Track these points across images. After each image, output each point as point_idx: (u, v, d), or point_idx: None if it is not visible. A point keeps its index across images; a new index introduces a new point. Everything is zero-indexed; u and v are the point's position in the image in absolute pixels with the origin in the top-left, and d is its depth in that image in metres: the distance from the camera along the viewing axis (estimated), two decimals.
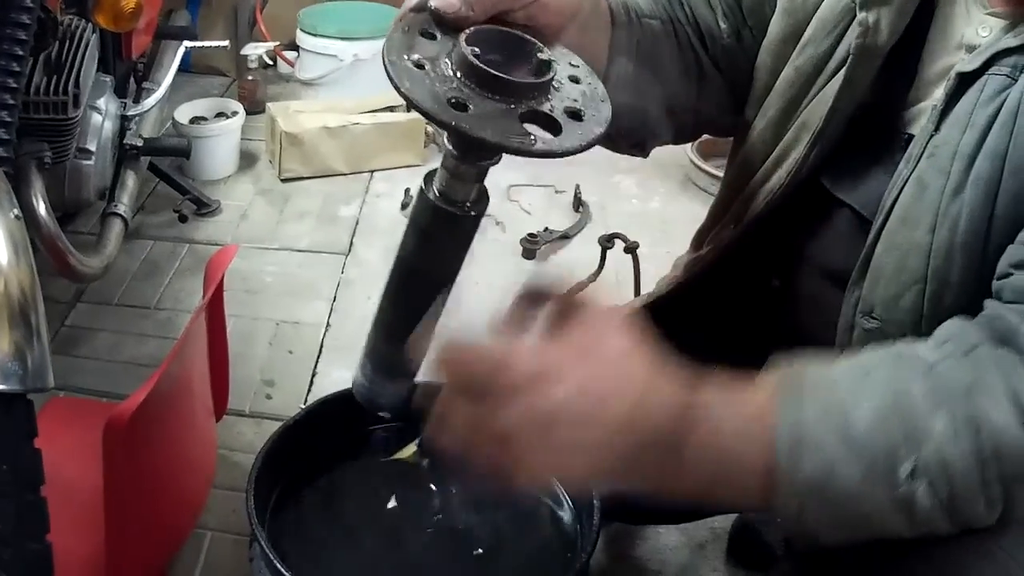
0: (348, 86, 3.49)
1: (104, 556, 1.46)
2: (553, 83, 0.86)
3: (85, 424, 1.46)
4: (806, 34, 1.13)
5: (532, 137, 0.79)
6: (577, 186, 3.05)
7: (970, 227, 0.96)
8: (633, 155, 1.25)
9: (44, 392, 1.29)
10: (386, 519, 1.23)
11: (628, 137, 1.19)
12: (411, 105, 0.78)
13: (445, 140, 0.85)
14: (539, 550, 0.99)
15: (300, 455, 1.30)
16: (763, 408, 0.88)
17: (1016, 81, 0.94)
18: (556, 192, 3.12)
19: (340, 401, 1.33)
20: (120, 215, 2.37)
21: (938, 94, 1.02)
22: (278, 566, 1.02)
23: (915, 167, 1.01)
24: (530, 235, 2.81)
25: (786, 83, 1.16)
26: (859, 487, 0.84)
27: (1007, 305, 0.91)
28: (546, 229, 2.86)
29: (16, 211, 1.33)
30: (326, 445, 1.32)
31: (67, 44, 1.96)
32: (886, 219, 1.04)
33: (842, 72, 1.08)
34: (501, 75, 0.80)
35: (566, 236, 2.88)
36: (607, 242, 2.10)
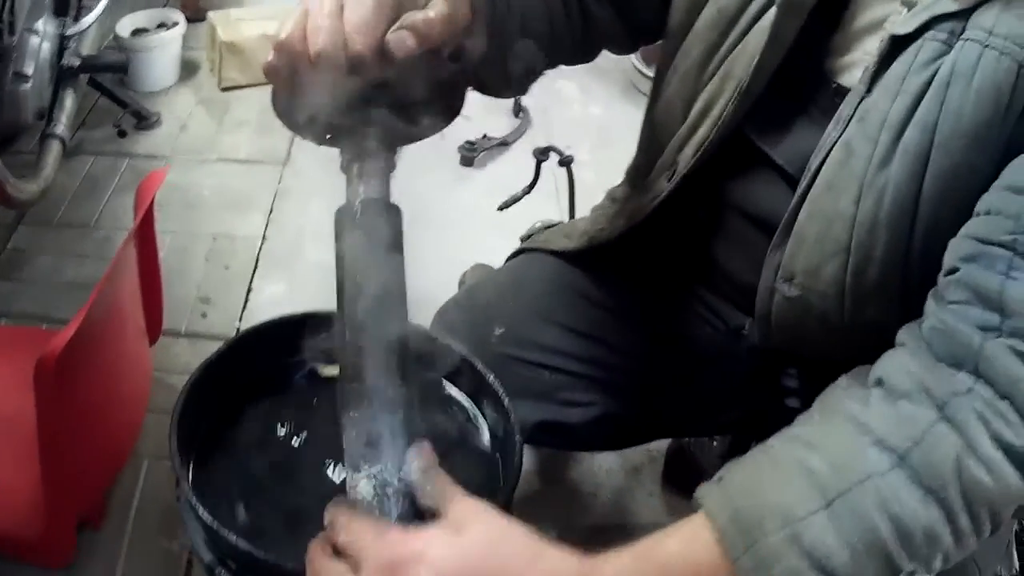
0: None
1: (41, 487, 1.49)
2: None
3: (24, 354, 1.46)
4: None
5: None
6: None
7: (896, 202, 0.93)
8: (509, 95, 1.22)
9: None
10: (315, 450, 1.23)
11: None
12: None
13: None
14: (463, 482, 0.99)
15: (230, 385, 1.28)
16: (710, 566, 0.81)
17: (951, 49, 0.88)
18: None
19: (269, 329, 1.32)
20: (58, 136, 2.36)
21: (869, 47, 0.98)
22: (201, 514, 1.02)
23: (844, 130, 0.97)
24: (468, 143, 2.80)
25: (707, 24, 1.11)
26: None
27: (955, 310, 0.83)
28: (484, 136, 2.84)
29: None
30: (258, 373, 1.31)
31: None
32: (811, 183, 1.00)
33: (767, 25, 1.01)
34: None
35: (504, 143, 2.87)
36: (542, 155, 2.07)
